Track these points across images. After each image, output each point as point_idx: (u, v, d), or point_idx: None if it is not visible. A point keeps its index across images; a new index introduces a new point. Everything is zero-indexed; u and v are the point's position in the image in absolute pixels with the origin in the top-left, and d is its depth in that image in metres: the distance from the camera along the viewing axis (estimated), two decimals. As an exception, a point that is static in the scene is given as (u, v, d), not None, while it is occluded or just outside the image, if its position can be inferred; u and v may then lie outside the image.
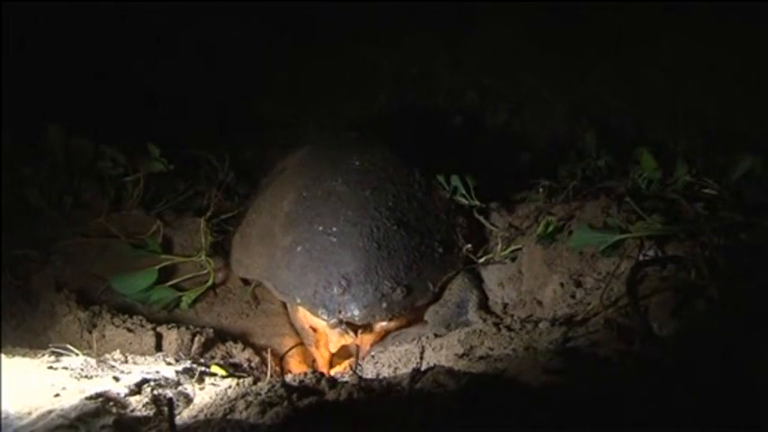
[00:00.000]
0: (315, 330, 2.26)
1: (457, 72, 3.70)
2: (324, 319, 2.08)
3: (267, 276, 2.25)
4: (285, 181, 2.45)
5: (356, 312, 2.05)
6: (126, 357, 1.85)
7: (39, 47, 2.90)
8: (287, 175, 2.48)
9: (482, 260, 2.33)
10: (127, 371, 1.70)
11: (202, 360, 1.99)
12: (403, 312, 2.13)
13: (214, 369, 1.87)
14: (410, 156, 2.51)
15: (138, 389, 1.55)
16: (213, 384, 1.70)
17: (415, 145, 2.76)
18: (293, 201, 2.30)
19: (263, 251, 2.30)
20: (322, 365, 2.27)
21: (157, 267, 2.28)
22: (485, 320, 2.10)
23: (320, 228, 2.17)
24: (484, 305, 2.24)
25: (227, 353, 2.15)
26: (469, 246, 2.30)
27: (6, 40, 2.61)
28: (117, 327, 2.08)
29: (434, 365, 1.56)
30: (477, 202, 2.43)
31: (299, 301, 2.14)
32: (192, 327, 2.17)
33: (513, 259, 2.31)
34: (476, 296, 2.23)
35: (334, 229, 2.15)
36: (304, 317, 2.27)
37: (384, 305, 2.06)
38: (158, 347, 2.06)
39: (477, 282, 2.30)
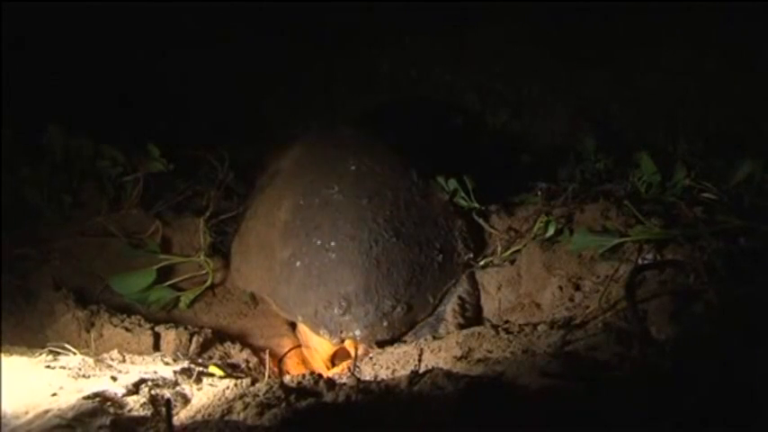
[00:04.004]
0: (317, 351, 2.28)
1: (457, 74, 3.71)
2: (326, 339, 2.11)
3: (268, 291, 2.26)
4: (281, 185, 2.42)
5: (358, 333, 2.07)
6: (124, 357, 1.84)
7: (39, 47, 2.90)
8: (283, 177, 2.45)
9: (481, 263, 2.33)
10: (124, 370, 1.69)
11: (200, 360, 1.99)
12: (404, 329, 2.15)
13: (212, 369, 1.86)
14: (408, 157, 2.50)
15: (135, 389, 1.55)
16: (211, 385, 1.69)
17: (414, 146, 2.75)
18: (290, 209, 2.28)
19: (262, 263, 2.30)
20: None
21: (156, 267, 2.28)
22: (454, 314, 2.14)
23: (318, 242, 2.17)
24: (469, 302, 2.24)
25: (226, 353, 2.14)
26: (470, 255, 2.31)
27: (6, 40, 2.60)
28: (115, 326, 2.08)
29: (433, 368, 1.56)
30: (476, 205, 2.43)
31: (300, 319, 2.17)
32: (190, 327, 2.16)
33: (512, 262, 2.30)
34: (461, 291, 2.24)
35: (333, 243, 2.15)
36: (307, 344, 2.29)
37: (385, 324, 2.09)
38: (156, 347, 2.06)
39: (471, 280, 2.30)
